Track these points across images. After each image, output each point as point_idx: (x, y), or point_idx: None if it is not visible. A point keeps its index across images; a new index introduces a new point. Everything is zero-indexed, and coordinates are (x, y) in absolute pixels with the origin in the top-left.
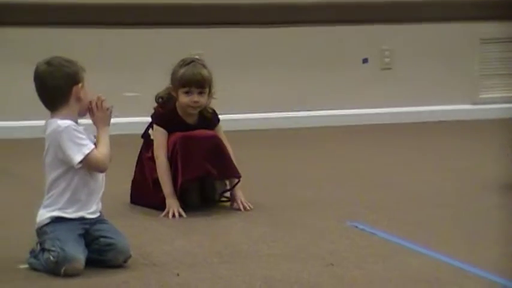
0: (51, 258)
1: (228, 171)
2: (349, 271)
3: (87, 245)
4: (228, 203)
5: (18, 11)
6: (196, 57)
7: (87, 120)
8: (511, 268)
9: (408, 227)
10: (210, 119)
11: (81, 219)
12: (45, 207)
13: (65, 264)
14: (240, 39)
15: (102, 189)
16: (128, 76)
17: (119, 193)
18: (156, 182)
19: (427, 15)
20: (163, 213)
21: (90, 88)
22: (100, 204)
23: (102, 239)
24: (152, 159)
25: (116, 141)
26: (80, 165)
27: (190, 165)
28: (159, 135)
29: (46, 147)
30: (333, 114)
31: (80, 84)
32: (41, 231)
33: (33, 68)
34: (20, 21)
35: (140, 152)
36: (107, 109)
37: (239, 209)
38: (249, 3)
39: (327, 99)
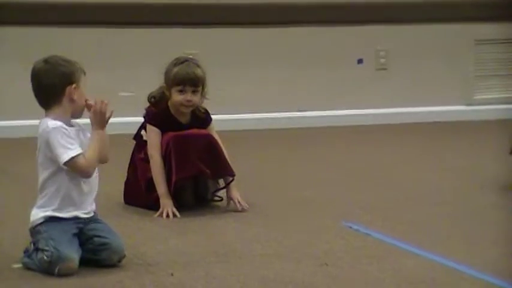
0: (45, 257)
1: (222, 169)
2: (344, 271)
3: (81, 244)
4: (221, 203)
5: (15, 10)
6: (190, 56)
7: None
8: (508, 269)
9: (403, 227)
10: (202, 119)
11: (75, 219)
12: (39, 207)
13: (59, 264)
14: (236, 39)
15: (96, 190)
16: (123, 76)
17: (113, 193)
18: (150, 183)
19: (423, 15)
20: (158, 213)
21: (86, 87)
22: (94, 204)
23: (96, 239)
24: (145, 160)
25: (111, 141)
26: (65, 166)
27: (184, 164)
28: (152, 134)
29: (38, 147)
30: (328, 115)
31: (73, 85)
32: (34, 230)
33: (30, 67)
34: (16, 21)
35: (132, 153)
36: (107, 115)
37: (236, 209)
38: (245, 3)
39: (322, 99)
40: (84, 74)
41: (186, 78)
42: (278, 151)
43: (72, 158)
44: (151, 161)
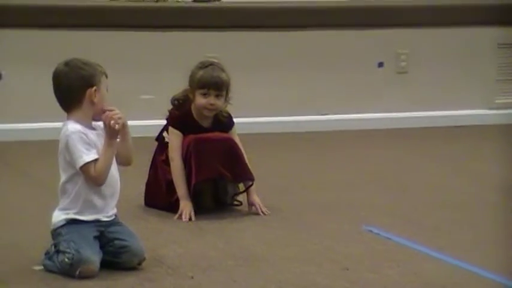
0: (66, 260)
1: (242, 174)
2: (364, 275)
3: (102, 247)
4: (241, 207)
5: (37, 13)
6: (215, 60)
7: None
8: None
9: (423, 231)
10: (225, 123)
11: (96, 222)
12: (61, 209)
13: (80, 266)
14: (256, 42)
15: (118, 195)
16: (144, 79)
17: (133, 195)
18: (170, 184)
19: (444, 19)
20: (177, 215)
21: (108, 90)
22: (115, 208)
23: (116, 241)
24: (166, 161)
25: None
26: (80, 170)
27: (204, 167)
28: (174, 137)
29: (59, 150)
30: (348, 118)
31: (94, 88)
32: (55, 232)
33: (51, 70)
34: (37, 23)
35: (154, 154)
36: (117, 127)
37: (257, 213)
38: (266, 7)
39: (342, 103)
40: (106, 76)
41: (211, 81)
42: (298, 154)
43: (86, 163)
44: (171, 164)
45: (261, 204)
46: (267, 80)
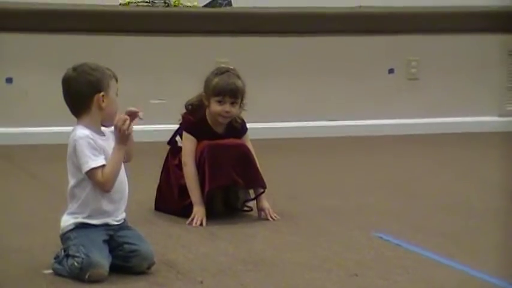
0: (76, 264)
1: (255, 180)
2: (374, 282)
3: (111, 251)
4: (251, 212)
5: (48, 17)
6: (231, 67)
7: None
8: None
9: (434, 238)
10: (238, 129)
11: (106, 226)
12: (70, 213)
13: (89, 270)
14: (265, 47)
15: (126, 199)
16: (154, 83)
17: (143, 200)
18: (182, 189)
19: (455, 25)
20: (189, 220)
21: (119, 94)
22: (124, 212)
23: (126, 245)
24: (179, 166)
25: (141, 148)
26: (86, 175)
27: (218, 174)
28: (188, 142)
29: (68, 154)
30: (358, 124)
31: (101, 93)
32: (65, 236)
33: (61, 74)
34: (48, 28)
35: (166, 158)
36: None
37: (266, 219)
38: (276, 12)
39: (352, 109)
40: (116, 80)
41: (226, 89)
42: (307, 160)
43: (92, 169)
44: (184, 169)
45: (270, 210)
46: (277, 85)
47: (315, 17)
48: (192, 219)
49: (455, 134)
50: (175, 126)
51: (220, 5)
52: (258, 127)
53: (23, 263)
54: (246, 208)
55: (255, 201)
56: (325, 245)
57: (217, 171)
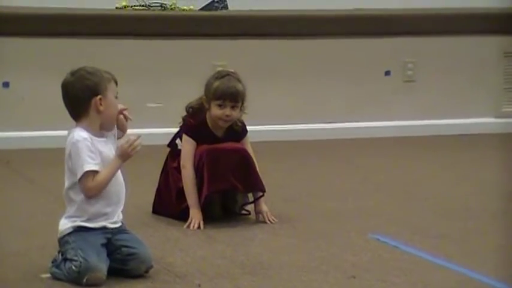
0: (74, 267)
1: (254, 185)
2: (371, 284)
3: (109, 254)
4: (248, 216)
5: (46, 21)
6: (232, 70)
7: None
8: None
9: (431, 240)
10: (238, 132)
11: (103, 229)
12: (68, 217)
13: (87, 274)
14: (263, 50)
15: (123, 201)
16: (151, 87)
17: (141, 203)
18: (180, 192)
19: (451, 28)
20: (186, 224)
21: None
22: (120, 215)
23: (124, 249)
24: (178, 169)
25: (138, 152)
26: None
27: (217, 179)
28: (187, 145)
29: (65, 156)
30: (355, 127)
31: (99, 97)
32: (63, 240)
33: (60, 78)
34: (46, 32)
35: (166, 161)
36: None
37: (264, 222)
38: (273, 15)
39: (349, 111)
40: (116, 83)
41: (227, 93)
42: (304, 162)
43: (85, 172)
44: (183, 171)
45: (268, 213)
46: (274, 88)
47: (312, 19)
48: (190, 223)
49: (452, 135)
50: (172, 130)
51: (216, 8)
52: (254, 130)
53: (21, 267)
54: (244, 212)
55: (252, 204)
56: (323, 248)
57: (216, 175)
